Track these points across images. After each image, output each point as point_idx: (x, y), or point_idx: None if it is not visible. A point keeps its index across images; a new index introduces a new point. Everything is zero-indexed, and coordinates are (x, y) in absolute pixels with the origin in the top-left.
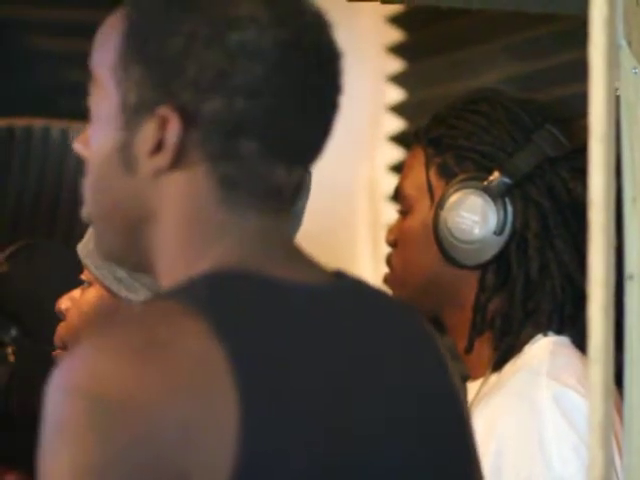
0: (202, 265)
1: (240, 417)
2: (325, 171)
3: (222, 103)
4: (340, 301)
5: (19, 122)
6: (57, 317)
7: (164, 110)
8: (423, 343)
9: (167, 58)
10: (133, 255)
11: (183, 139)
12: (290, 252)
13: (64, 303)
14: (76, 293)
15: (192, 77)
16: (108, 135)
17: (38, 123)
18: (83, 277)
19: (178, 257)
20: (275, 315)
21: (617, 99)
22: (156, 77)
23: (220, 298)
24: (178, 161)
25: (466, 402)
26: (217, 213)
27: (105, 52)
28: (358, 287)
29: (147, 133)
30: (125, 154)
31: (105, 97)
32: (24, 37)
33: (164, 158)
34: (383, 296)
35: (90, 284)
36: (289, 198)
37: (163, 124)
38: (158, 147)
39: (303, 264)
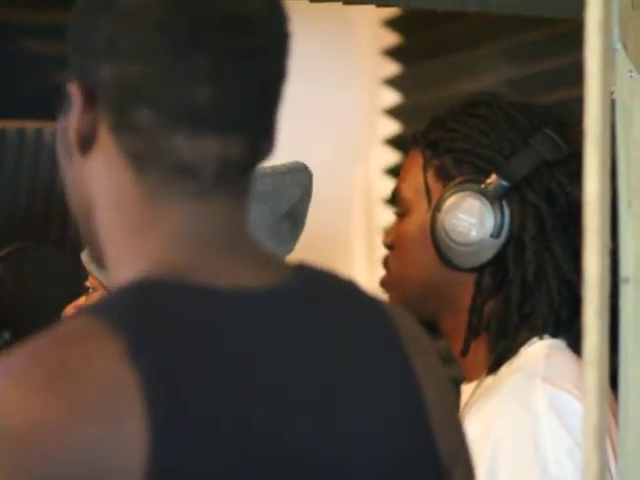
0: (134, 266)
1: (150, 440)
2: (320, 174)
3: (110, 70)
4: (283, 305)
5: (11, 124)
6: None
7: (71, 87)
8: (383, 345)
9: (78, 35)
10: (95, 249)
11: (89, 116)
12: (230, 249)
13: (70, 312)
14: (82, 301)
15: (89, 49)
16: (61, 123)
17: (31, 125)
18: (88, 283)
19: (114, 254)
20: (201, 328)
21: (612, 102)
22: (74, 57)
23: (142, 314)
24: (91, 140)
25: (441, 404)
26: (135, 199)
27: None
28: (315, 285)
29: (73, 114)
30: (65, 140)
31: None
32: (18, 40)
33: (76, 139)
34: (347, 292)
35: (95, 289)
36: (212, 178)
37: (73, 103)
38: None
39: (246, 263)
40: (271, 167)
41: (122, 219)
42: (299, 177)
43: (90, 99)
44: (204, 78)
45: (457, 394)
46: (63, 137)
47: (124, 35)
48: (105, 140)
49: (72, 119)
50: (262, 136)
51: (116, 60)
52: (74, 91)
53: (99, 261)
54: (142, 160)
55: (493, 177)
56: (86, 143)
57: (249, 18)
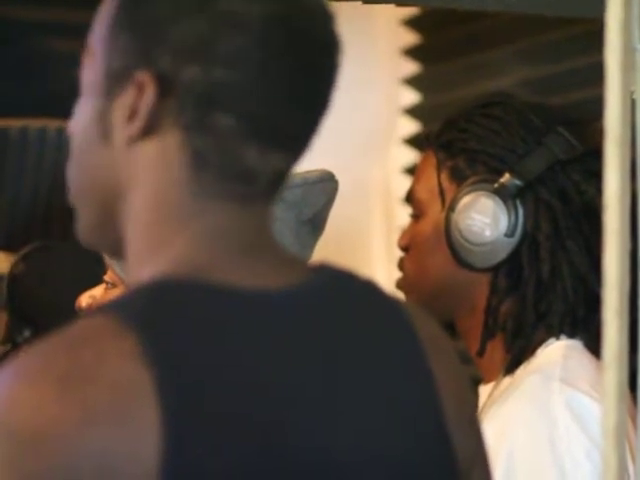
0: (159, 263)
1: (164, 440)
2: (339, 173)
3: (199, 71)
4: (302, 305)
5: (34, 123)
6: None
7: (142, 75)
8: (401, 346)
9: (152, 24)
10: (108, 237)
11: (158, 107)
12: (254, 250)
13: (85, 300)
14: (97, 291)
15: (174, 44)
16: (89, 104)
17: (53, 126)
18: (106, 278)
19: (142, 246)
20: (218, 328)
21: (633, 102)
22: (140, 43)
23: (158, 313)
24: (151, 130)
25: (459, 405)
26: (184, 195)
27: (100, 23)
28: (335, 285)
29: (125, 100)
30: (103, 123)
31: (93, 66)
32: (38, 39)
33: (136, 126)
34: (367, 292)
35: (114, 285)
36: (264, 186)
37: (140, 90)
38: (133, 114)
39: (268, 264)
40: (302, 177)
41: (161, 212)
42: (327, 187)
43: (163, 91)
44: (288, 95)
45: (475, 395)
46: (102, 120)
47: (222, 39)
48: (168, 133)
49: (126, 102)
50: (306, 151)
51: (207, 63)
52: (142, 78)
53: (112, 249)
54: (205, 161)
55: (506, 176)
56: (144, 131)
57: (329, 43)
